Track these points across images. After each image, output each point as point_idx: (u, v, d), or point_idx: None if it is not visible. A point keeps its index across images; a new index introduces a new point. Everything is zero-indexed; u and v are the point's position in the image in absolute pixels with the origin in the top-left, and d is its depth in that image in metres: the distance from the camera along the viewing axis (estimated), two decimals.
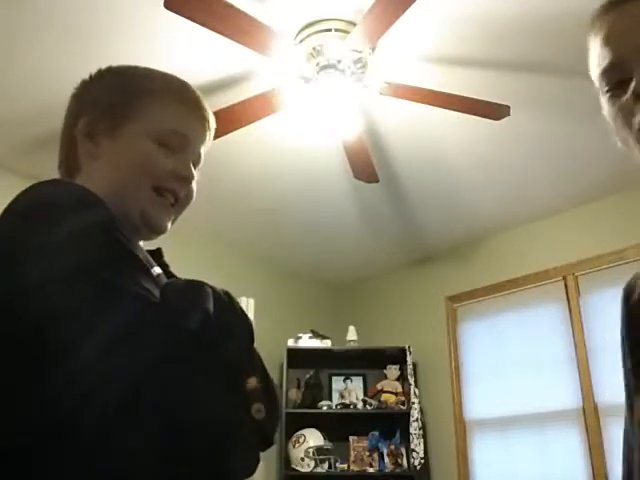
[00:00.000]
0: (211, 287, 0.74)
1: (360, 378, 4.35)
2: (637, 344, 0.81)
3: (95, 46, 2.41)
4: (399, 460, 4.01)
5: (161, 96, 0.91)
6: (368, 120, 2.85)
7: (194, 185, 0.94)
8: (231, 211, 3.80)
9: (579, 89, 2.66)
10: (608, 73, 0.76)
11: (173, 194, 0.90)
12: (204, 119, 0.94)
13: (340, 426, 4.12)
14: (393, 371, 4.25)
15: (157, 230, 0.91)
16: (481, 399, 3.91)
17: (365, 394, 4.24)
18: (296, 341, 4.18)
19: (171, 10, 1.97)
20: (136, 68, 0.96)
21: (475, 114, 2.50)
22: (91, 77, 0.95)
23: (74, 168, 0.90)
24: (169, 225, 0.93)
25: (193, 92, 0.94)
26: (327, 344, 4.24)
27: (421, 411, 3.99)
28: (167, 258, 0.99)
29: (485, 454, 3.80)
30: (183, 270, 1.05)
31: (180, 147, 0.90)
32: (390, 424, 4.10)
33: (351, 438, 4.12)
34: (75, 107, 0.94)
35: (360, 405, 4.14)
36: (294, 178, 3.44)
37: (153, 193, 0.88)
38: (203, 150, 0.97)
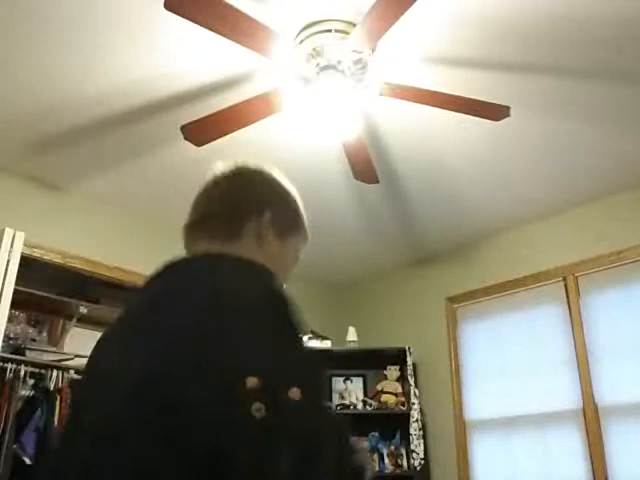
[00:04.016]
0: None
1: (360, 379, 4.34)
2: None
3: (95, 47, 2.42)
4: (399, 461, 4.00)
5: (304, 222, 1.18)
6: (368, 121, 2.85)
7: None
8: None
9: (579, 90, 2.66)
10: None
11: None
12: None
13: None
14: (393, 372, 4.24)
15: None
16: (481, 400, 3.91)
17: (365, 395, 4.24)
18: None
19: (171, 10, 1.97)
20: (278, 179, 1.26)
21: (475, 115, 2.50)
22: (246, 170, 1.17)
23: (236, 234, 1.03)
24: None
25: None
26: (327, 345, 4.24)
27: (421, 412, 3.99)
28: None
29: (485, 455, 3.80)
30: None
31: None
32: (390, 425, 4.09)
33: None
34: (248, 195, 1.10)
35: (360, 406, 4.14)
36: (293, 178, 3.42)
37: None
38: None
